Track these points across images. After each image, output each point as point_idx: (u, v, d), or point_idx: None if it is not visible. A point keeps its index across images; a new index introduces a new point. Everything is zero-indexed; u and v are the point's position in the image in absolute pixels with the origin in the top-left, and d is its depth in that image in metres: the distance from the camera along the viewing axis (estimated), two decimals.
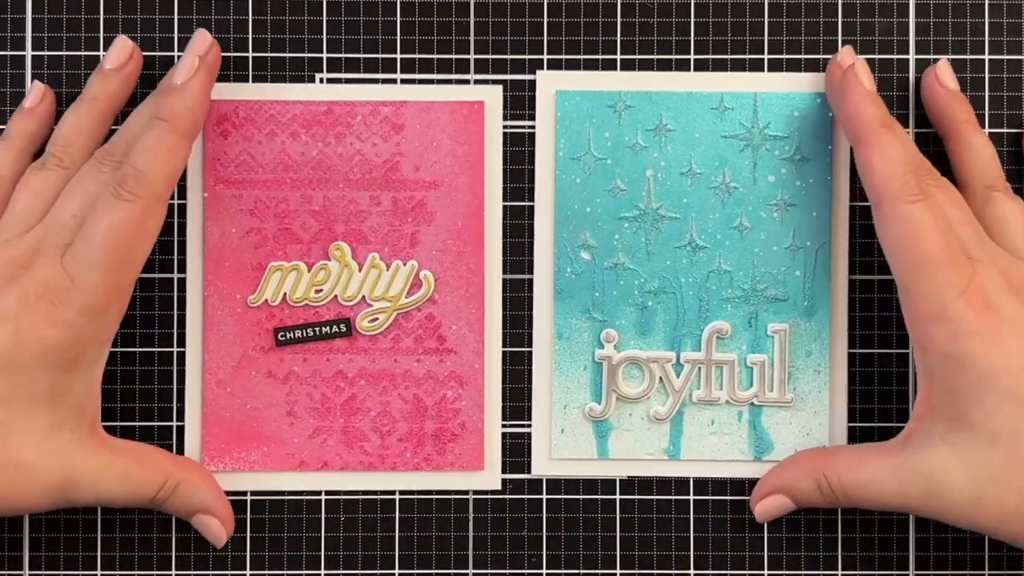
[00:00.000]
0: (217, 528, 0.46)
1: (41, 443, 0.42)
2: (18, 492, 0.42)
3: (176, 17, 0.48)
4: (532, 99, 0.48)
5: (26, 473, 0.42)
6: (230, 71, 0.48)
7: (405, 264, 0.47)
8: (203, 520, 0.46)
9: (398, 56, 0.48)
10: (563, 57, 0.49)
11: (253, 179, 0.47)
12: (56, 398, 0.42)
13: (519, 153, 0.48)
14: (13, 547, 0.48)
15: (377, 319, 0.47)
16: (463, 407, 0.48)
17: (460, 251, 0.48)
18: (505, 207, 0.48)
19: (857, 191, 0.48)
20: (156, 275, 0.48)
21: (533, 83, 0.49)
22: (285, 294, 0.47)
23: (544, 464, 0.48)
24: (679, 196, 0.48)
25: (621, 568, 0.48)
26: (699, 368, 0.48)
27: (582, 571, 0.49)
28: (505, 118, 0.48)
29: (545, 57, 0.49)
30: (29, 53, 0.48)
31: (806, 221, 0.48)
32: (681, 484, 0.48)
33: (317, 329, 0.47)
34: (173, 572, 0.48)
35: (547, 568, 0.49)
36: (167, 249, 0.48)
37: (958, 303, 0.41)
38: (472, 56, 0.48)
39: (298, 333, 0.47)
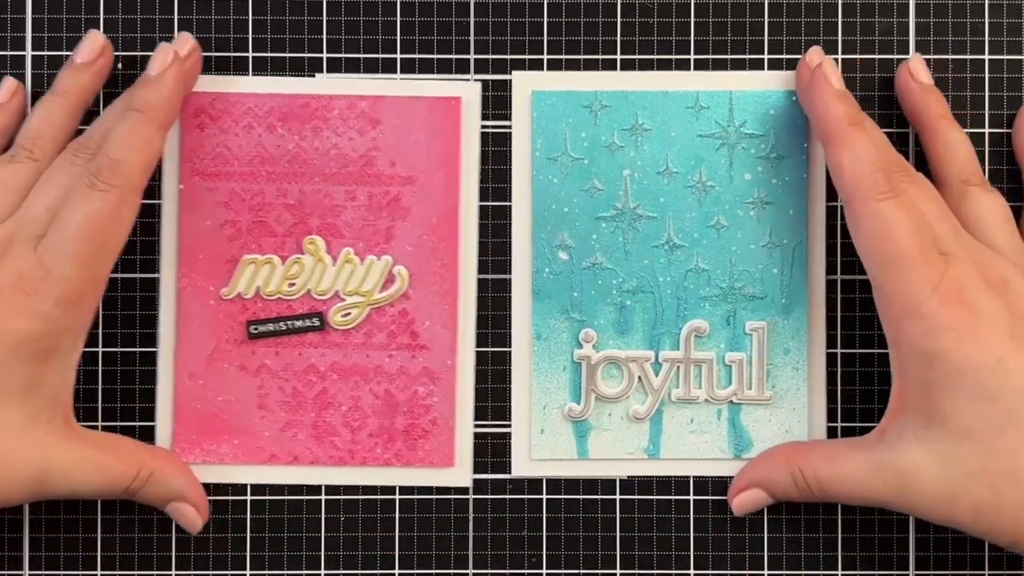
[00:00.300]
0: (192, 515, 0.46)
1: (17, 435, 0.42)
2: None
3: (176, 17, 0.48)
4: (509, 99, 0.49)
5: (3, 466, 0.41)
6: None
7: (379, 259, 0.47)
8: (177, 507, 0.46)
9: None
10: (563, 57, 0.49)
11: (229, 171, 0.47)
12: (31, 390, 0.42)
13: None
14: (13, 547, 0.48)
15: (350, 314, 0.47)
16: (434, 403, 0.48)
17: (435, 247, 0.47)
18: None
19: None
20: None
21: (510, 83, 0.49)
22: (258, 287, 0.47)
23: (524, 464, 0.48)
24: (656, 195, 0.48)
25: (621, 568, 0.49)
26: (678, 367, 0.48)
27: (582, 571, 0.49)
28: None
29: (546, 57, 0.49)
30: (29, 53, 0.48)
31: (783, 219, 0.48)
32: (681, 484, 0.49)
33: (290, 323, 0.47)
34: (173, 572, 0.48)
35: (547, 568, 0.49)
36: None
37: (931, 299, 0.40)
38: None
39: (270, 326, 0.47)
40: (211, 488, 0.48)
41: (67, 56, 0.47)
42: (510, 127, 0.48)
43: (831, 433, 0.49)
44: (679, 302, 0.48)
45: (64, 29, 0.48)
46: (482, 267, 0.48)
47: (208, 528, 0.48)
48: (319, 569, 0.48)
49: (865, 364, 0.49)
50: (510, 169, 0.48)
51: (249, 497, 0.48)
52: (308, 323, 0.47)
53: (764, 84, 0.48)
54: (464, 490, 0.48)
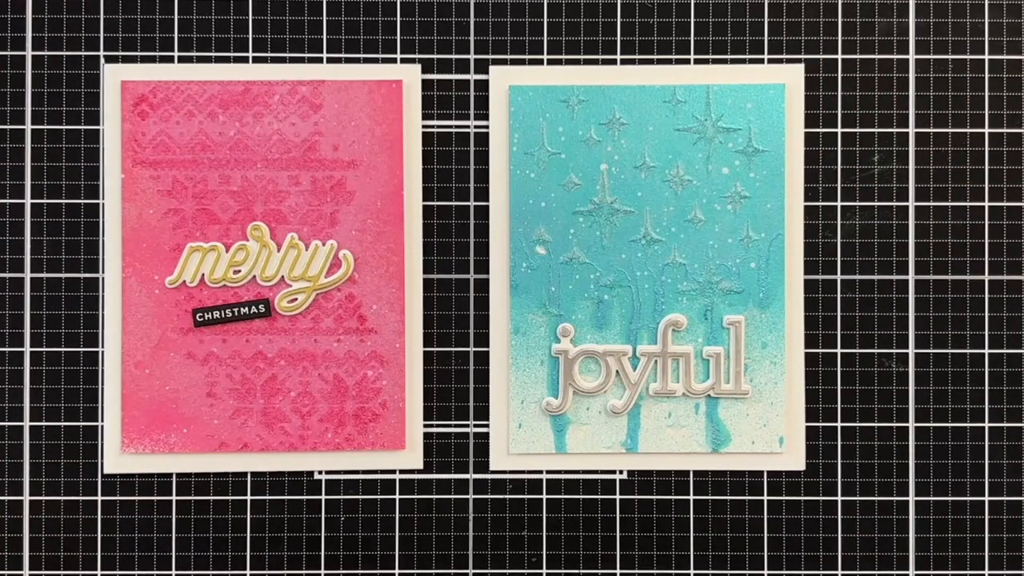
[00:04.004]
0: None
1: None
2: None
3: (176, 18, 0.48)
4: (486, 98, 0.49)
5: None
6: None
7: (324, 244, 0.47)
8: None
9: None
10: (565, 57, 0.49)
11: (171, 160, 0.47)
12: None
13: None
14: (13, 547, 0.48)
15: (296, 299, 0.47)
16: (384, 387, 0.47)
17: (380, 231, 0.47)
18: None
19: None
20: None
21: (486, 83, 0.49)
22: (203, 275, 0.47)
23: (502, 459, 0.48)
24: (633, 190, 0.48)
25: (621, 568, 0.48)
26: (655, 361, 0.48)
27: (582, 571, 0.49)
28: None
29: (552, 54, 0.49)
30: (29, 53, 0.49)
31: (760, 213, 0.48)
32: (682, 485, 0.48)
33: (236, 310, 0.47)
34: (173, 572, 0.48)
35: (547, 568, 0.49)
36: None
37: None
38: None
39: (216, 314, 0.47)
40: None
41: (67, 56, 0.48)
42: (485, 126, 0.48)
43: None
44: (656, 296, 0.48)
45: (64, 29, 0.49)
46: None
47: (208, 528, 0.48)
48: (319, 569, 0.48)
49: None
50: (486, 168, 0.48)
51: (249, 497, 0.48)
52: (254, 310, 0.47)
53: (741, 78, 0.48)
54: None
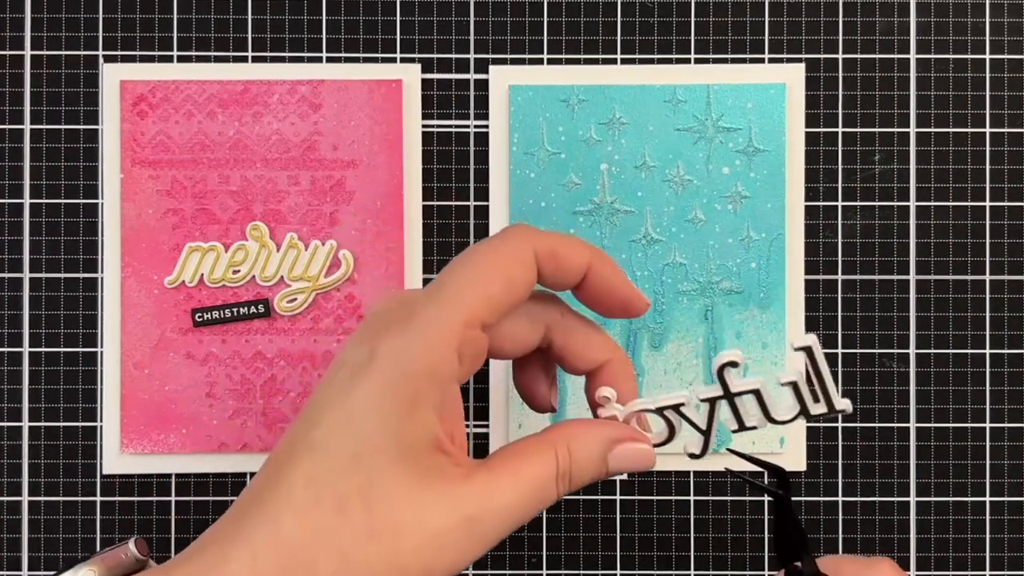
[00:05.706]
0: (638, 450, 0.37)
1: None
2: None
3: (175, 17, 0.48)
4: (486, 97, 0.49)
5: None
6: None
7: (324, 244, 0.47)
8: (620, 453, 0.37)
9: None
10: (565, 56, 0.49)
11: (170, 160, 0.47)
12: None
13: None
14: (12, 548, 0.48)
15: (296, 299, 0.47)
16: None
17: (379, 230, 0.47)
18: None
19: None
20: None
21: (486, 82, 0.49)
22: (203, 275, 0.47)
23: None
24: (633, 189, 0.48)
25: (621, 568, 0.48)
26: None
27: (582, 572, 0.48)
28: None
29: (552, 54, 0.49)
30: (28, 53, 0.49)
31: (760, 213, 0.48)
32: (682, 485, 0.48)
33: (235, 310, 0.47)
34: None
35: (547, 569, 0.48)
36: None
37: None
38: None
39: (216, 314, 0.47)
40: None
41: (66, 56, 0.48)
42: (485, 125, 0.48)
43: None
44: (657, 297, 0.48)
45: (63, 28, 0.49)
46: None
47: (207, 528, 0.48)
48: None
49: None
50: (487, 164, 0.48)
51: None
52: (253, 310, 0.47)
53: (741, 78, 0.48)
54: None
